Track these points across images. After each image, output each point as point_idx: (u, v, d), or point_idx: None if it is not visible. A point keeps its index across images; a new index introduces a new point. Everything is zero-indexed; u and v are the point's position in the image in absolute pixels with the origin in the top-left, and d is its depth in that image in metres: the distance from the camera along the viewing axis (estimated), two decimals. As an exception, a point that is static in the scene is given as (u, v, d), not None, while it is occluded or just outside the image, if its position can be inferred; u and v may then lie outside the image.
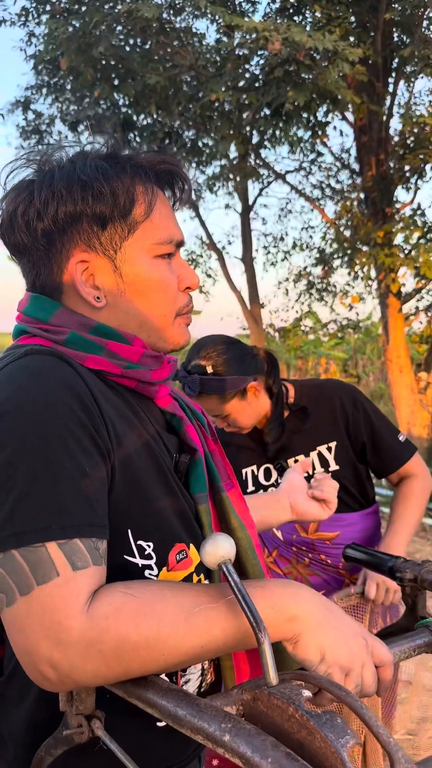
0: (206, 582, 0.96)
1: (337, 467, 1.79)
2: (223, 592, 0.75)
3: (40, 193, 0.88)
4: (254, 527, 1.07)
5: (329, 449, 1.80)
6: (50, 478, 0.74)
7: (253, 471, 1.80)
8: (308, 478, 1.73)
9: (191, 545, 0.93)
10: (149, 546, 0.86)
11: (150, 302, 0.92)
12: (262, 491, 1.76)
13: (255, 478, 1.80)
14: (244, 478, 1.79)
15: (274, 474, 1.80)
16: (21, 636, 0.71)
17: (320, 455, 1.80)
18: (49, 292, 0.92)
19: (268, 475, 1.80)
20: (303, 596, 0.77)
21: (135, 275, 0.91)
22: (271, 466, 1.80)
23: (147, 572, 0.86)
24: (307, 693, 0.67)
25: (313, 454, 1.79)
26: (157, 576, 0.87)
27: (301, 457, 1.79)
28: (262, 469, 1.81)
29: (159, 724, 0.88)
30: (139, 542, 0.85)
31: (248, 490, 1.77)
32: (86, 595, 0.71)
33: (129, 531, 0.84)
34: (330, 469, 1.79)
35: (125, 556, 0.84)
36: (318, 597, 0.78)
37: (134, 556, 0.85)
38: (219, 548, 0.76)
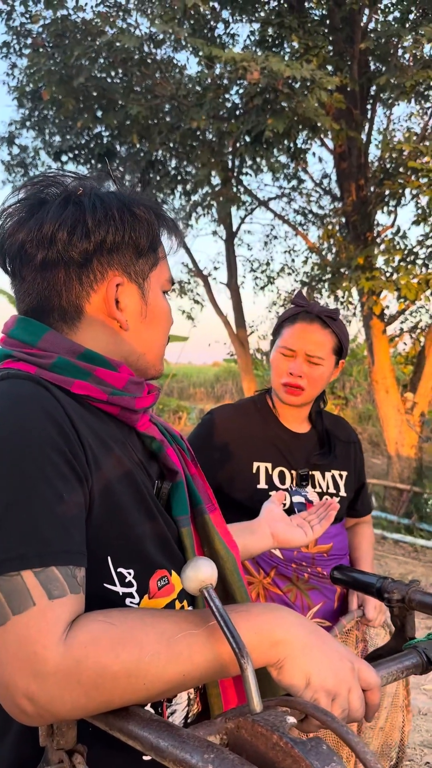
0: (189, 608, 0.94)
1: (345, 494, 1.86)
2: (206, 618, 0.74)
3: (94, 213, 0.90)
4: (238, 550, 1.06)
5: (341, 476, 1.88)
6: (26, 504, 0.72)
7: (267, 468, 1.80)
8: (321, 494, 1.82)
9: (173, 571, 0.91)
10: (130, 573, 0.84)
11: (159, 331, 0.99)
12: (273, 492, 1.75)
13: (269, 476, 1.79)
14: (254, 471, 1.78)
15: (289, 478, 1.80)
16: None
17: (333, 479, 1.86)
18: (59, 314, 0.92)
19: (282, 477, 1.80)
20: (287, 620, 0.75)
21: (155, 304, 0.97)
22: (285, 470, 1.80)
23: (128, 600, 0.84)
24: (292, 719, 0.66)
25: (328, 476, 1.85)
26: (138, 604, 0.85)
27: (317, 473, 1.84)
28: (277, 470, 1.80)
29: (145, 758, 0.86)
30: (119, 569, 0.83)
31: (258, 486, 1.77)
32: (63, 625, 0.69)
33: (109, 558, 0.82)
34: (340, 493, 1.84)
35: (105, 585, 0.82)
36: (303, 620, 0.77)
37: (114, 584, 0.83)
38: (200, 572, 0.75)
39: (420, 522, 6.97)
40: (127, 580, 0.84)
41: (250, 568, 1.78)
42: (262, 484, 1.77)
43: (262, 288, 10.65)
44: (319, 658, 0.75)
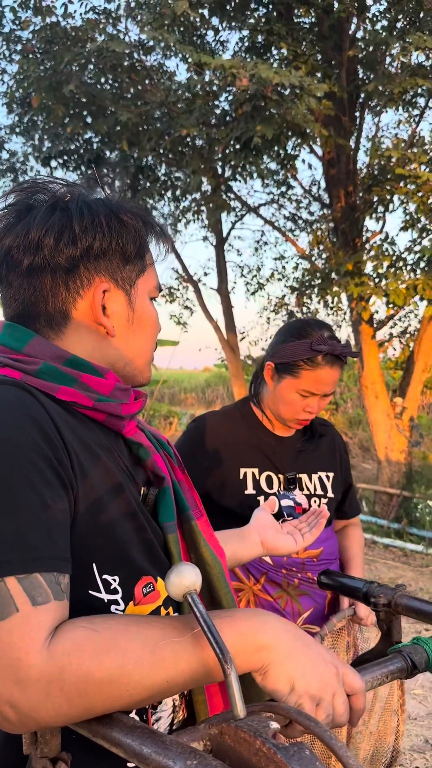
0: (175, 615, 0.94)
1: (333, 495, 1.86)
2: (190, 624, 0.74)
3: (81, 219, 0.90)
4: (224, 556, 1.06)
5: (328, 478, 1.88)
6: (9, 510, 0.72)
7: (254, 474, 1.80)
8: (309, 496, 1.82)
9: (158, 577, 0.91)
10: (115, 580, 0.84)
11: (146, 338, 0.99)
12: (263, 498, 1.76)
13: (256, 481, 1.79)
14: (241, 477, 1.79)
15: (276, 482, 1.80)
16: None
17: (321, 480, 1.86)
18: (46, 320, 0.92)
19: (269, 482, 1.80)
20: (271, 625, 0.75)
21: (142, 311, 0.97)
22: (273, 474, 1.80)
23: (113, 607, 0.84)
24: (275, 725, 0.66)
25: (315, 477, 1.85)
26: (123, 611, 0.85)
27: (304, 476, 1.84)
28: (264, 474, 1.80)
29: (129, 765, 0.86)
30: (104, 576, 0.83)
31: (246, 492, 1.77)
32: (47, 632, 0.69)
33: (94, 565, 0.82)
34: (327, 495, 1.85)
35: (90, 591, 0.82)
36: (287, 625, 0.77)
37: (99, 591, 0.83)
38: (184, 578, 0.75)
39: (410, 526, 6.99)
40: (112, 587, 0.84)
41: (240, 575, 1.77)
42: (250, 490, 1.77)
43: (253, 294, 10.67)
44: (303, 662, 0.75)
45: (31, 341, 0.90)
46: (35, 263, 0.90)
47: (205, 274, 11.85)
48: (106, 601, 0.83)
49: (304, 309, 9.62)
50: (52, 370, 0.87)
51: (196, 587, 0.74)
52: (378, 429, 7.46)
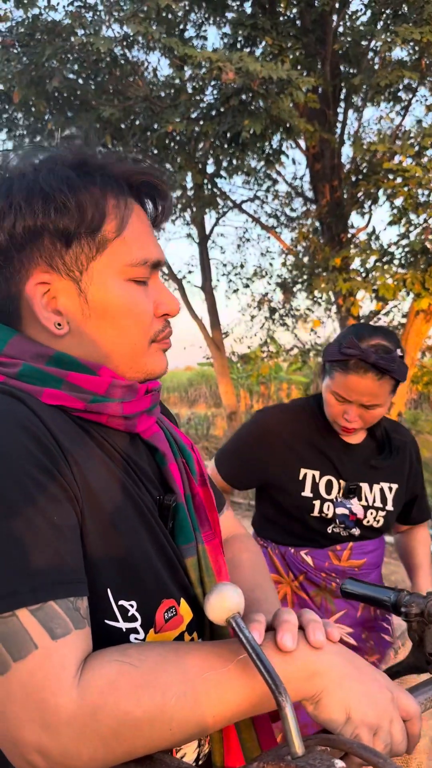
0: (199, 641, 0.85)
1: (392, 508, 1.78)
2: (234, 651, 0.67)
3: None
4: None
5: (390, 489, 1.79)
6: (11, 532, 0.63)
7: (314, 476, 1.73)
8: (367, 507, 1.74)
9: (182, 600, 0.82)
10: (132, 606, 0.74)
11: (119, 330, 0.81)
12: (318, 502, 1.71)
13: (315, 484, 1.73)
14: (301, 477, 1.73)
15: (336, 488, 1.74)
16: (1, 722, 0.60)
17: (381, 492, 1.78)
18: (4, 318, 0.81)
19: (329, 487, 1.73)
20: (325, 649, 0.69)
21: (102, 300, 0.79)
22: (334, 479, 1.73)
23: (132, 636, 0.74)
24: (340, 763, 0.59)
25: (377, 488, 1.77)
26: (143, 640, 0.75)
27: (365, 485, 1.75)
28: (324, 479, 1.74)
29: None
30: (120, 602, 0.73)
31: (303, 494, 1.72)
32: (74, 667, 0.61)
33: (108, 590, 0.72)
34: (386, 508, 1.77)
35: (106, 621, 0.72)
36: (339, 648, 0.70)
37: (117, 620, 0.73)
38: (226, 600, 0.67)
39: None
40: (129, 614, 0.74)
41: (280, 569, 1.75)
42: (307, 492, 1.73)
43: (235, 291, 10.60)
44: (357, 689, 0.68)
45: (11, 340, 0.79)
46: None
47: (189, 272, 11.77)
48: (124, 630, 0.73)
49: (288, 306, 9.58)
50: (34, 372, 0.77)
51: (239, 609, 0.67)
52: (367, 425, 7.43)
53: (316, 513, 1.73)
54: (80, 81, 6.30)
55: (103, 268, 0.80)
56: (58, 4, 16.15)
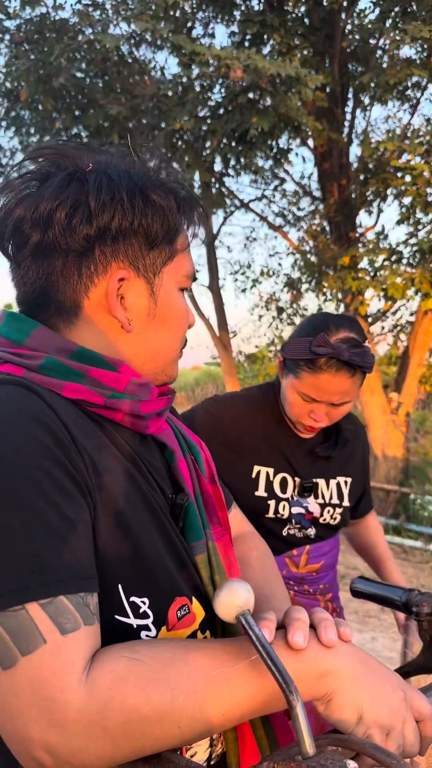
0: (225, 638, 0.84)
1: (348, 504, 1.70)
2: (245, 649, 0.65)
3: (98, 194, 0.77)
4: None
5: (346, 483, 1.70)
6: (24, 526, 0.63)
7: (268, 474, 1.62)
8: (324, 505, 1.65)
9: (193, 598, 0.81)
10: (144, 602, 0.74)
11: (172, 333, 0.87)
12: (273, 502, 1.60)
13: (269, 482, 1.61)
14: (254, 476, 1.61)
15: (291, 486, 1.63)
16: (8, 719, 0.59)
17: (338, 487, 1.69)
18: (56, 308, 0.80)
19: (284, 485, 1.63)
20: (337, 648, 0.67)
21: (167, 304, 0.85)
22: (288, 477, 1.62)
23: (143, 633, 0.73)
24: (352, 764, 0.58)
25: (333, 483, 1.68)
26: (155, 637, 0.75)
27: (321, 481, 1.65)
28: (279, 476, 1.62)
29: None
30: (132, 598, 0.73)
31: (256, 494, 1.60)
32: (82, 663, 0.60)
33: (120, 586, 0.72)
34: (343, 504, 1.69)
35: (116, 617, 0.71)
36: (351, 648, 0.68)
37: (127, 616, 0.72)
38: (235, 597, 0.66)
39: (408, 522, 6.95)
40: (141, 611, 0.73)
41: None
42: (261, 492, 1.61)
43: (243, 291, 10.59)
44: (369, 688, 0.67)
45: (34, 332, 0.79)
46: (45, 242, 0.78)
47: (197, 271, 11.78)
48: (135, 626, 0.73)
49: (296, 306, 9.56)
50: (56, 365, 0.76)
51: (249, 606, 0.66)
52: (374, 425, 7.41)
53: (271, 514, 1.61)
54: (88, 79, 6.30)
55: (170, 276, 0.85)
56: (65, 2, 16.13)
